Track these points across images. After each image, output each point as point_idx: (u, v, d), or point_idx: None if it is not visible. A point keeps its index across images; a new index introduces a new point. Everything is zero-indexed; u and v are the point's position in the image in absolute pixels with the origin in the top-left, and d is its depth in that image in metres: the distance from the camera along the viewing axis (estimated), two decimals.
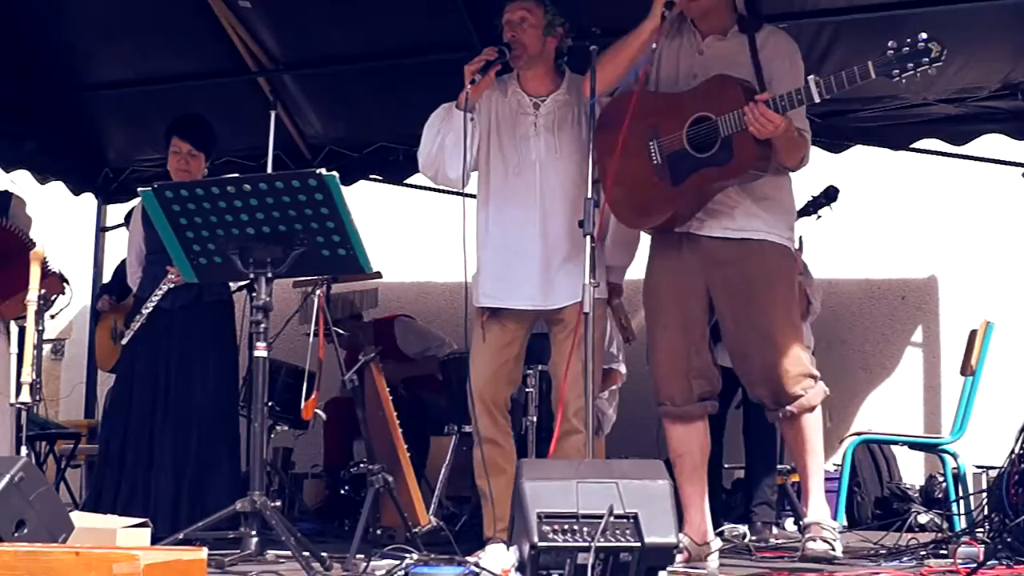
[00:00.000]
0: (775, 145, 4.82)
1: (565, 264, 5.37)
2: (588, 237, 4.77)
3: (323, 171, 4.30)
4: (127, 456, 6.35)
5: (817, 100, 4.58)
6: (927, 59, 4.33)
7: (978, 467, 7.48)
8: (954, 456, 6.77)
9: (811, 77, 4.60)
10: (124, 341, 6.44)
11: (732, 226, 4.98)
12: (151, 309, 6.30)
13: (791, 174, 5.13)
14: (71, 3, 8.16)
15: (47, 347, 11.09)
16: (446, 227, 9.93)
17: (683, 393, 5.10)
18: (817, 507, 5.04)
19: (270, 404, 6.33)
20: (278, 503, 4.58)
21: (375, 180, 9.42)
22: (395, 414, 6.23)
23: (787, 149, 4.86)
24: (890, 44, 4.41)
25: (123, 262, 8.78)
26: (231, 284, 6.75)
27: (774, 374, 4.94)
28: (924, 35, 4.35)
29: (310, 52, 8.51)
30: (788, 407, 4.95)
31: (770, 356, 4.93)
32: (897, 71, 4.38)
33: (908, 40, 4.36)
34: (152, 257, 6.53)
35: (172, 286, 6.33)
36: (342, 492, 7.53)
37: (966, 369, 6.79)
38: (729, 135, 4.77)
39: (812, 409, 4.96)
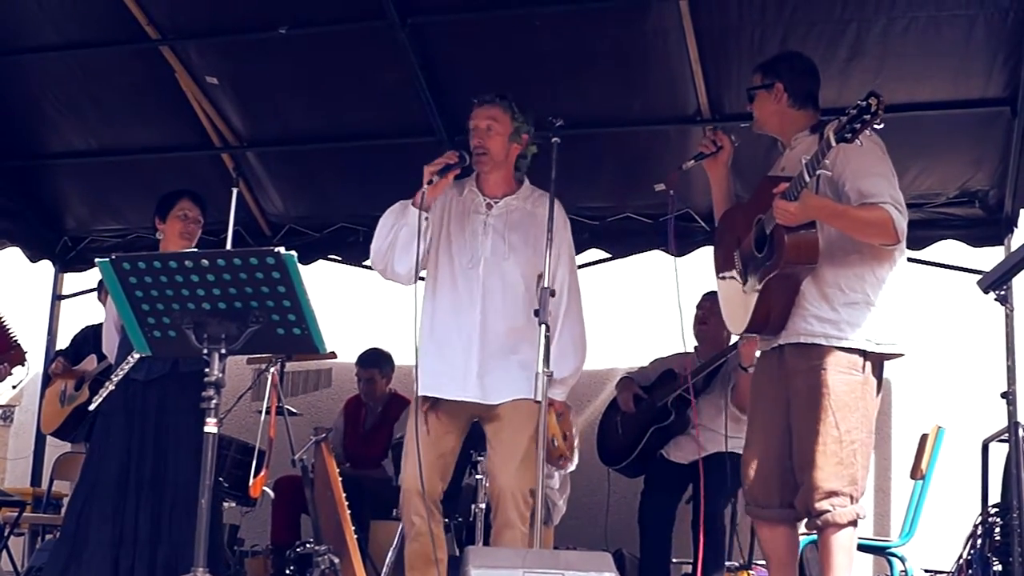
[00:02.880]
0: (833, 226, 4.89)
1: (502, 362, 5.44)
2: (543, 326, 4.80)
3: (281, 250, 4.27)
4: (98, 531, 6.24)
5: (807, 180, 4.65)
6: (868, 114, 4.40)
7: (926, 571, 7.48)
8: (902, 559, 6.77)
9: (803, 158, 4.73)
10: (92, 407, 6.35)
11: (803, 331, 4.98)
12: (121, 377, 6.22)
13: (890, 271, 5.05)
14: (37, 70, 8.19)
15: None
16: (402, 310, 9.97)
17: (766, 497, 5.12)
18: None
19: (219, 480, 6.29)
20: None
21: (334, 260, 9.42)
22: (343, 495, 6.19)
23: (845, 227, 4.89)
24: (841, 115, 4.52)
25: (82, 330, 8.78)
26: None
27: (808, 487, 4.91)
28: (865, 96, 4.44)
29: (275, 131, 8.57)
30: (816, 520, 4.92)
31: (810, 470, 4.90)
32: (850, 134, 4.45)
33: (854, 106, 4.45)
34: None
35: (143, 355, 6.26)
36: (288, 571, 7.46)
37: (916, 473, 6.81)
38: (771, 230, 4.88)
39: (838, 527, 4.89)
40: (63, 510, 8.98)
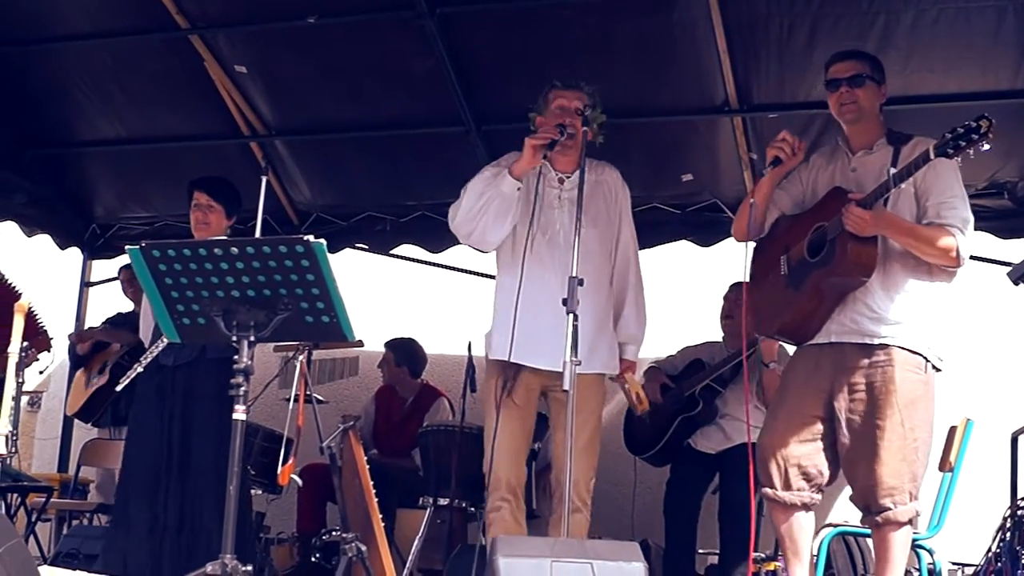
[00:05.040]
0: (899, 242, 5.00)
1: (589, 333, 5.51)
2: (571, 316, 4.80)
3: (310, 238, 4.27)
4: (138, 516, 6.27)
5: (892, 190, 4.80)
6: (976, 135, 4.53)
7: (954, 563, 7.45)
8: (930, 552, 6.73)
9: (891, 169, 4.84)
10: (119, 388, 6.38)
11: (866, 328, 5.05)
12: (149, 361, 6.23)
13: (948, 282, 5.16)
14: (68, 59, 8.22)
15: (24, 399, 11.04)
16: (429, 298, 9.97)
17: (780, 479, 5.19)
18: None
19: (246, 468, 6.30)
20: (249, 567, 4.52)
21: (361, 248, 9.43)
22: (371, 483, 6.20)
23: (911, 245, 4.99)
24: (947, 131, 4.64)
25: (115, 315, 8.84)
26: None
27: (871, 483, 4.98)
28: (977, 116, 4.57)
29: (303, 119, 8.58)
30: (875, 516, 5.00)
31: (872, 465, 4.97)
32: (952, 150, 4.57)
33: (964, 124, 4.57)
34: None
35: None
36: (313, 559, 7.47)
37: (944, 465, 6.78)
38: (834, 237, 4.97)
39: (898, 524, 4.98)
40: (89, 496, 9.04)
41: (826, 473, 5.20)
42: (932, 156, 4.63)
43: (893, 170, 4.80)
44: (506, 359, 5.58)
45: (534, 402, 5.76)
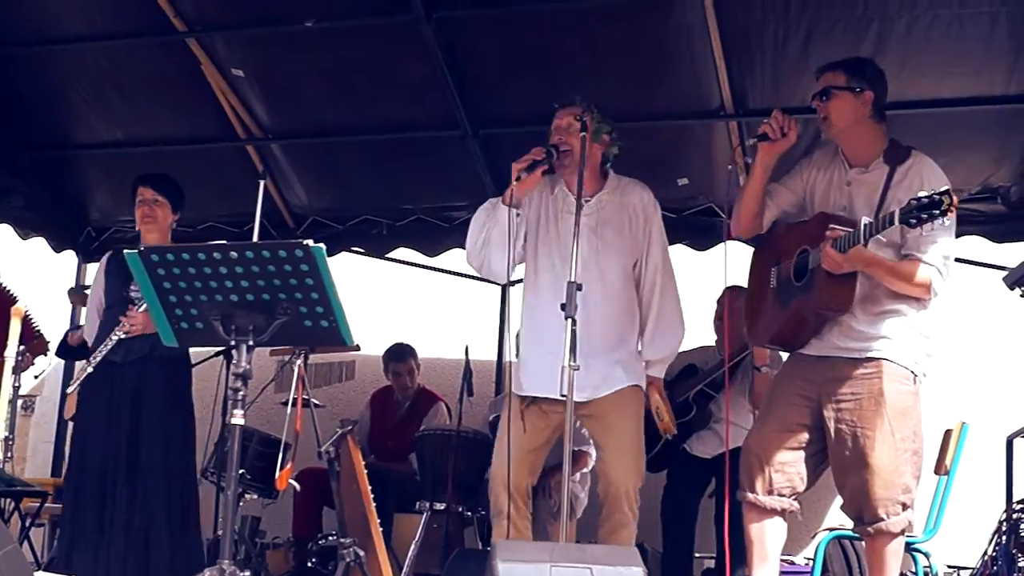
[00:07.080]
0: (875, 276, 4.99)
1: (601, 359, 5.56)
2: (569, 320, 4.80)
3: (310, 242, 4.28)
4: (84, 515, 6.27)
5: (862, 241, 4.78)
6: (937, 210, 4.49)
7: (950, 567, 7.46)
8: (926, 555, 6.75)
9: (864, 219, 4.81)
10: (70, 391, 6.39)
11: (853, 346, 5.06)
12: (99, 360, 6.24)
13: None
14: (65, 62, 8.23)
15: (17, 403, 11.02)
16: (426, 302, 9.96)
17: (762, 484, 5.18)
18: None
19: (241, 472, 6.30)
20: (247, 573, 4.52)
21: (357, 252, 9.43)
22: (369, 488, 6.20)
23: (886, 280, 5.00)
24: (913, 197, 4.60)
25: None
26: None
27: (862, 494, 4.99)
28: (941, 190, 4.53)
29: (299, 123, 8.58)
30: (868, 527, 5.00)
31: (863, 476, 4.98)
32: (914, 220, 4.54)
33: (928, 194, 4.53)
34: (109, 310, 6.50)
35: (123, 336, 6.27)
36: (309, 564, 7.46)
37: (940, 468, 6.79)
38: (814, 267, 4.99)
39: (891, 536, 4.99)
40: None
41: (806, 482, 5.23)
42: (896, 222, 4.62)
43: (866, 220, 4.77)
44: (524, 393, 5.62)
45: (555, 421, 5.54)
